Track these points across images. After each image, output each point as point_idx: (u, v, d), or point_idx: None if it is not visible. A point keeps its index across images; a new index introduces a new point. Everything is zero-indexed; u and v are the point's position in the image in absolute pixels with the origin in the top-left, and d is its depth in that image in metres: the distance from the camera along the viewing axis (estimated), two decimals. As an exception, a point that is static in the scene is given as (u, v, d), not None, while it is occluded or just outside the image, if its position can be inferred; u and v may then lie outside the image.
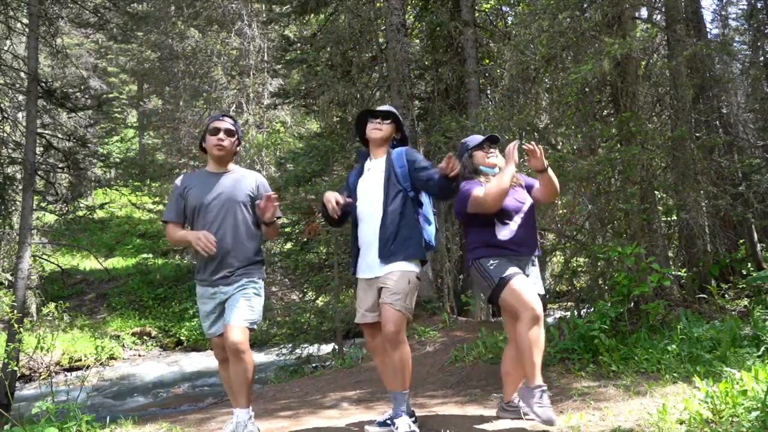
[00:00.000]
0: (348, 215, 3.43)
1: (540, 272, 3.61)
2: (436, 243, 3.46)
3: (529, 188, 3.58)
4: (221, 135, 3.33)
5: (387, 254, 3.20)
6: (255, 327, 3.29)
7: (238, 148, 3.45)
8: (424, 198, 3.40)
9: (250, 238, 3.34)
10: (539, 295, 3.39)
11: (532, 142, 3.34)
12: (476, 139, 3.59)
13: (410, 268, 3.22)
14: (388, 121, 3.42)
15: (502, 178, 3.28)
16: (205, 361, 12.00)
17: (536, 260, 3.55)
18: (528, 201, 3.51)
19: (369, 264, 3.28)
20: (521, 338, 3.15)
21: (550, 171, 3.39)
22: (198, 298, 3.42)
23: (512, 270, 3.30)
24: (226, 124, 3.37)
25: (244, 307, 3.21)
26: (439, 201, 3.38)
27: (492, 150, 3.53)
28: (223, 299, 3.29)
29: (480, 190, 3.36)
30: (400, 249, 3.21)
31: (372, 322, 3.31)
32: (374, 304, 3.27)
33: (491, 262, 3.36)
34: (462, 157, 3.57)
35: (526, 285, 3.27)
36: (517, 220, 3.42)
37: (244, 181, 3.39)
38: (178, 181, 3.46)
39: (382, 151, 3.43)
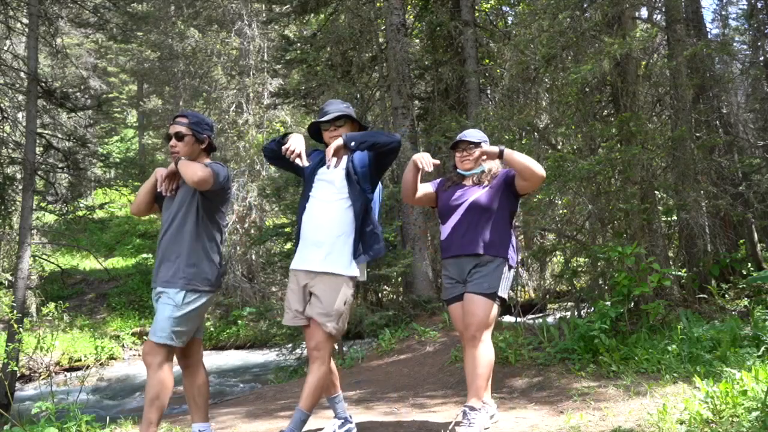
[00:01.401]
0: (281, 159, 3.17)
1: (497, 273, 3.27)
2: (383, 250, 3.25)
3: (508, 180, 3.35)
4: (172, 141, 3.14)
5: (347, 254, 3.03)
6: (166, 342, 2.96)
7: (202, 145, 3.18)
8: (376, 201, 3.24)
9: (193, 238, 3.06)
10: (501, 297, 3.24)
11: (468, 151, 3.35)
12: (462, 135, 3.45)
13: (352, 272, 3.04)
14: (341, 124, 3.21)
15: (408, 169, 3.35)
16: (204, 361, 11.98)
17: (491, 260, 3.25)
18: (469, 199, 3.31)
19: (307, 257, 3.06)
20: None
21: (507, 152, 3.21)
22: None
23: (450, 293, 3.40)
24: (176, 127, 3.15)
25: (158, 318, 2.98)
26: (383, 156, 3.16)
27: (467, 153, 3.37)
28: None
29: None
30: (358, 253, 3.06)
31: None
32: (304, 306, 3.05)
33: (444, 272, 3.48)
34: None
35: (453, 315, 3.42)
36: (453, 220, 3.35)
37: None
38: None
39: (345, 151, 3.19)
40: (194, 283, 3.02)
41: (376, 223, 3.19)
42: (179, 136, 3.13)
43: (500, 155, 3.24)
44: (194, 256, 3.05)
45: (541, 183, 3.60)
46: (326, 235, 3.04)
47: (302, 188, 3.25)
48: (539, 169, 3.19)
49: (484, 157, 3.36)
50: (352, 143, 3.05)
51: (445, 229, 3.38)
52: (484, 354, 3.17)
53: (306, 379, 3.00)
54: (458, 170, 3.47)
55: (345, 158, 3.15)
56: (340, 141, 3.06)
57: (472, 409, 3.12)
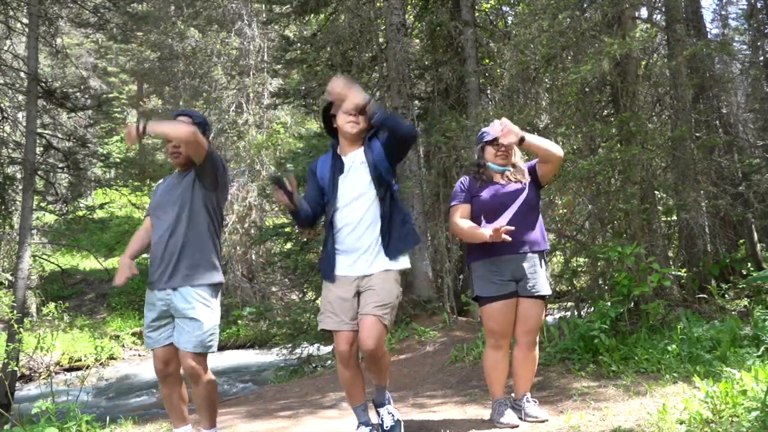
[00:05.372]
0: (318, 217, 3.20)
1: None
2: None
3: (531, 171, 3.44)
4: (173, 142, 3.06)
5: (392, 252, 3.06)
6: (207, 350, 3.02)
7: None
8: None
9: (195, 241, 3.04)
10: (544, 296, 3.36)
11: (499, 121, 3.27)
12: (494, 131, 3.40)
13: (402, 266, 3.11)
14: (363, 115, 3.09)
15: (475, 234, 3.22)
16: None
17: (538, 257, 3.37)
18: (521, 197, 3.35)
19: (355, 266, 3.08)
20: (483, 357, 3.50)
21: (528, 137, 3.27)
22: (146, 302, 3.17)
23: (499, 290, 3.28)
24: None
25: (191, 328, 2.96)
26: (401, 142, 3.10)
27: (503, 148, 3.39)
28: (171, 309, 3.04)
29: (457, 209, 3.38)
30: (403, 245, 3.10)
31: (351, 330, 3.07)
32: (355, 312, 3.06)
33: (480, 269, 3.35)
34: (477, 147, 3.55)
35: (496, 314, 3.30)
36: (505, 217, 3.29)
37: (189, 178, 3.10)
38: None
39: (358, 144, 3.17)
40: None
41: (404, 213, 3.21)
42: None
43: (521, 141, 3.26)
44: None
45: (561, 164, 3.71)
46: (369, 239, 3.06)
47: (325, 198, 3.17)
48: (558, 150, 3.36)
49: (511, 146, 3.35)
50: (375, 114, 2.98)
51: (496, 227, 3.26)
52: (536, 355, 3.48)
53: (378, 369, 3.23)
54: (489, 164, 3.43)
55: (364, 158, 3.12)
56: (365, 97, 2.98)
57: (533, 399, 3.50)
